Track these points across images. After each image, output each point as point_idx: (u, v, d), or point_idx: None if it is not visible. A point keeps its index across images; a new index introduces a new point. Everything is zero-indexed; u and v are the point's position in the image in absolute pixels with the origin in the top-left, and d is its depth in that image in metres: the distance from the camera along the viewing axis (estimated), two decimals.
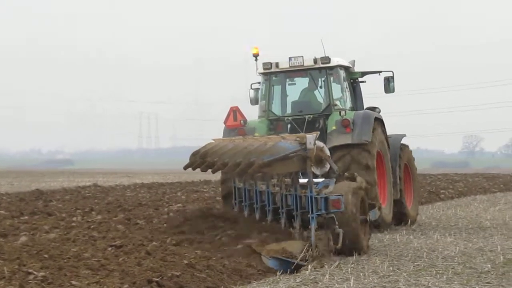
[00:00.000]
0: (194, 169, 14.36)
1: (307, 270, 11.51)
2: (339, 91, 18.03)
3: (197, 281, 10.09)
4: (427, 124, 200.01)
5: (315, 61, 17.79)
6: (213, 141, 14.89)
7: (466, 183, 39.69)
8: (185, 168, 14.48)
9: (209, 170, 14.00)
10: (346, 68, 18.44)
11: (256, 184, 14.45)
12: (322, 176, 13.49)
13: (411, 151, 20.10)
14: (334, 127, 17.05)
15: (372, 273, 11.25)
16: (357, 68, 19.01)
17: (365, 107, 18.65)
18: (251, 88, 18.96)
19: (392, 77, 18.92)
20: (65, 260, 10.70)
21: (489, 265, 11.73)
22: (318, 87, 18.09)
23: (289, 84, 18.28)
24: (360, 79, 19.00)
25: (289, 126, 17.82)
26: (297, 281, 10.73)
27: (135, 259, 10.91)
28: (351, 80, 18.76)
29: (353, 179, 14.22)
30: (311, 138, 12.64)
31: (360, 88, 18.93)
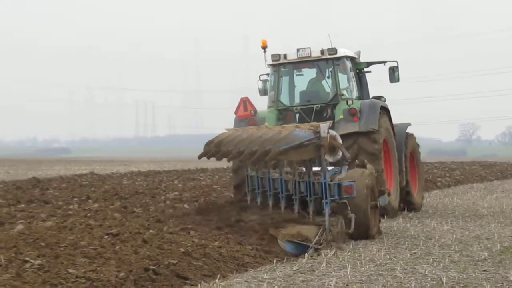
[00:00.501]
0: (209, 158, 14.57)
1: (304, 258, 11.53)
2: (346, 81, 18.40)
3: (193, 269, 10.09)
4: (424, 112, 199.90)
5: (322, 52, 18.19)
6: (226, 131, 15.03)
7: (463, 171, 39.77)
8: (200, 157, 14.63)
9: (221, 159, 14.21)
10: (352, 59, 18.79)
11: (269, 172, 14.62)
12: (334, 163, 13.93)
13: (415, 138, 20.32)
14: (341, 116, 17.44)
15: (369, 261, 11.25)
16: (362, 59, 19.29)
17: (371, 96, 18.92)
18: (260, 79, 19.28)
19: (397, 67, 19.36)
20: (62, 248, 10.66)
21: (486, 253, 11.74)
22: (326, 78, 18.47)
23: (297, 75, 18.70)
24: (365, 69, 19.30)
25: (297, 115, 18.23)
26: (294, 269, 10.73)
27: (131, 247, 10.88)
28: (357, 70, 19.12)
29: (363, 166, 14.49)
30: (324, 127, 13.09)
31: (365, 78, 19.35)
